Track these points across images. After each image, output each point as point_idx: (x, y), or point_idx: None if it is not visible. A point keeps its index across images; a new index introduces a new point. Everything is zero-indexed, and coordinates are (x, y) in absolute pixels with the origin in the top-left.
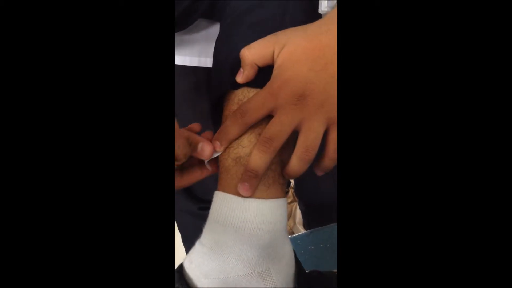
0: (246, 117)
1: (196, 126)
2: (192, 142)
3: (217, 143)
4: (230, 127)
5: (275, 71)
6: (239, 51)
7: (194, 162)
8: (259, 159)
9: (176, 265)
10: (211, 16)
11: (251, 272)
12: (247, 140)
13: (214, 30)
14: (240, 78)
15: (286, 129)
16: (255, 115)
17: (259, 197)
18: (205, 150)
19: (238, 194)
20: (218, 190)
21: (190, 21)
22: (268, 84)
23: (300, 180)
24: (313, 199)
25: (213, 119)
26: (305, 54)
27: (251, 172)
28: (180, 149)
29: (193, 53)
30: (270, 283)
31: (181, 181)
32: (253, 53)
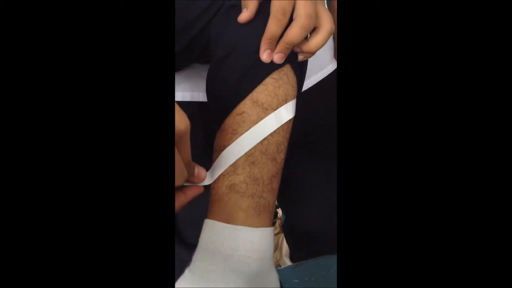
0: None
1: None
2: (191, 166)
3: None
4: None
5: None
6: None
7: (177, 187)
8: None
9: None
10: (204, 61)
11: None
12: (241, 168)
13: (205, 68)
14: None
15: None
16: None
17: (249, 225)
18: (201, 174)
19: (228, 222)
20: (209, 218)
21: (184, 64)
22: None
23: (288, 211)
24: (301, 230)
25: (208, 150)
26: None
27: (288, 45)
28: (183, 173)
29: (185, 88)
30: None
31: None
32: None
